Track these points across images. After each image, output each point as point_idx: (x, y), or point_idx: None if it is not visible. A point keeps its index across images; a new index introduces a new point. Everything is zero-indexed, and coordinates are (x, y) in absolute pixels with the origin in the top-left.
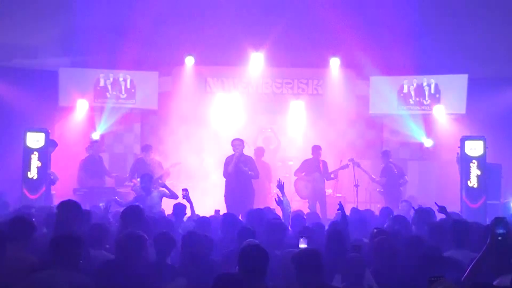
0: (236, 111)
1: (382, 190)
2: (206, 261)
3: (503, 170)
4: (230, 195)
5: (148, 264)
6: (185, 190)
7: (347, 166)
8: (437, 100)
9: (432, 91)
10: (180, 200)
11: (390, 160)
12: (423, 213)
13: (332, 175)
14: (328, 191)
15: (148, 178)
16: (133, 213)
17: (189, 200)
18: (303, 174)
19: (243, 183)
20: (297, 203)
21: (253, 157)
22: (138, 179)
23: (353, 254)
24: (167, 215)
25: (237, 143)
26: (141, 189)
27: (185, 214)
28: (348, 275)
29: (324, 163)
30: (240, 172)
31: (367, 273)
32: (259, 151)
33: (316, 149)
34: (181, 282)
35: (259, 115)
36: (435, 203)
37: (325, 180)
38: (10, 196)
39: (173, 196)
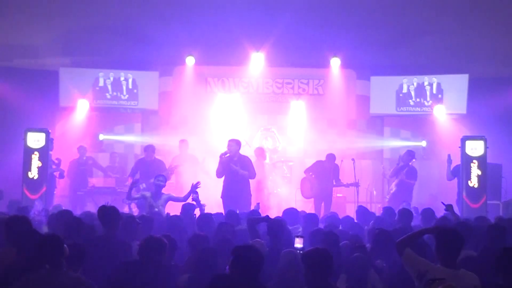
0: (237, 111)
1: (394, 189)
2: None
3: (503, 170)
4: (226, 194)
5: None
6: (195, 193)
7: (358, 185)
8: (440, 100)
9: (434, 91)
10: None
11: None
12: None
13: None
14: (339, 195)
15: (163, 179)
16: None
17: (198, 203)
18: (311, 174)
19: (238, 183)
20: (301, 203)
21: (254, 157)
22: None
23: (358, 254)
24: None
25: (231, 144)
26: (154, 186)
27: (194, 215)
28: (353, 275)
29: (336, 167)
30: (232, 172)
31: (372, 273)
32: (259, 151)
33: (330, 157)
34: (184, 277)
35: (259, 115)
36: (442, 202)
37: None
38: (11, 196)
39: (184, 199)
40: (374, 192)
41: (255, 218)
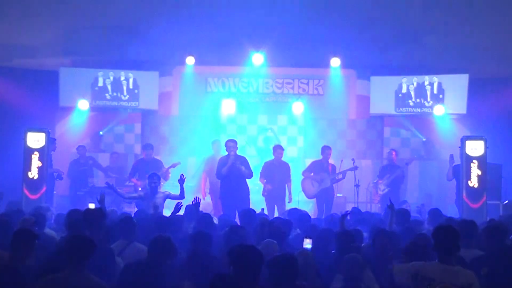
0: (236, 111)
1: (387, 189)
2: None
3: (503, 170)
4: (226, 195)
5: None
6: (195, 198)
7: (356, 168)
8: (441, 100)
9: (435, 91)
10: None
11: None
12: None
13: (340, 175)
14: (339, 195)
15: (157, 178)
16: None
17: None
18: (311, 174)
19: (238, 183)
20: (303, 204)
21: (273, 156)
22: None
23: (351, 254)
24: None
25: (232, 144)
26: (148, 189)
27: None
28: (347, 276)
29: (333, 167)
30: (237, 172)
31: (367, 273)
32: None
33: (325, 149)
34: (187, 285)
35: (259, 115)
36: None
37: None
38: (11, 196)
39: (181, 196)
40: None
41: (265, 219)
